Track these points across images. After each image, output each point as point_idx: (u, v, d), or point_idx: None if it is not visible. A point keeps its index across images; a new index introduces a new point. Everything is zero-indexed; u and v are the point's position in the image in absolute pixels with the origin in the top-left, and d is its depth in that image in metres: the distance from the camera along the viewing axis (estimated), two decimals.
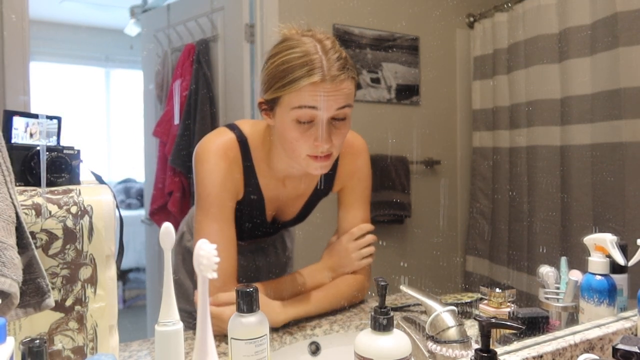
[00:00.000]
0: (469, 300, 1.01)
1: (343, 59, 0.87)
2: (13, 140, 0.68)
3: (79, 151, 0.72)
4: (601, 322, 0.87)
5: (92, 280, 0.65)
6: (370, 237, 1.04)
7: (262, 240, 1.17)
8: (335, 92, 0.85)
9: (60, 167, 0.69)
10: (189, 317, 1.09)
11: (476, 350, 0.57)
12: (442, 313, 0.73)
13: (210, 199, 0.93)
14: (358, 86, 0.93)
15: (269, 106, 0.90)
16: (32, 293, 0.58)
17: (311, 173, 0.93)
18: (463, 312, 0.98)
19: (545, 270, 0.98)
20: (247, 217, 1.02)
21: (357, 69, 0.92)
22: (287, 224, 1.12)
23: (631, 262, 0.90)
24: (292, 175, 1.01)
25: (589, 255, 0.92)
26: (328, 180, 1.06)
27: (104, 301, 0.66)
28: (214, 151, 0.93)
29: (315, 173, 0.92)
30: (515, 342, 0.80)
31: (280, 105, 0.87)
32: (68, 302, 0.64)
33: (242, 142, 0.96)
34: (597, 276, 0.90)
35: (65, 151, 0.70)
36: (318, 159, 0.89)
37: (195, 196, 0.95)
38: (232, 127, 0.98)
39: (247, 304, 0.61)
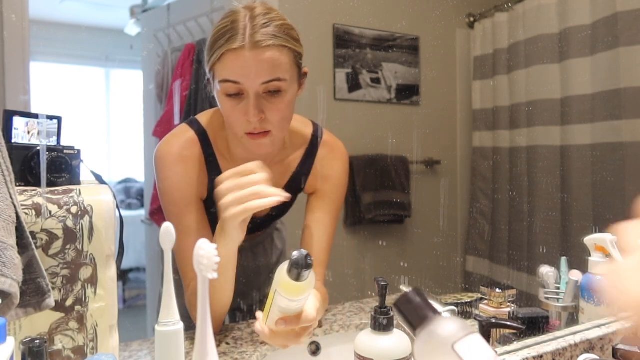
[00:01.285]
0: (469, 300, 1.01)
1: (274, 26, 0.80)
2: (13, 140, 0.68)
3: (79, 151, 0.72)
4: (601, 322, 0.87)
5: (93, 280, 0.65)
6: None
7: (249, 238, 1.14)
8: (257, 61, 0.78)
9: (60, 167, 0.69)
10: (186, 320, 1.08)
11: None
12: (442, 313, 0.73)
13: (172, 207, 0.90)
14: (358, 85, 0.90)
15: (211, 79, 0.85)
16: (32, 293, 0.58)
17: (255, 152, 0.85)
18: (463, 312, 0.98)
19: (546, 270, 0.98)
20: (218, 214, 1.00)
21: (296, 40, 0.84)
22: (264, 221, 1.05)
23: None
24: (254, 159, 0.97)
25: (589, 255, 0.92)
26: (300, 175, 0.99)
27: (104, 301, 0.66)
28: (169, 155, 0.90)
29: (257, 152, 0.85)
30: (515, 342, 0.80)
31: (214, 77, 0.83)
32: (68, 302, 0.64)
33: (202, 135, 0.92)
34: (597, 276, 0.90)
35: (65, 151, 0.70)
36: (254, 136, 0.83)
37: (162, 204, 0.93)
38: (192, 123, 0.94)
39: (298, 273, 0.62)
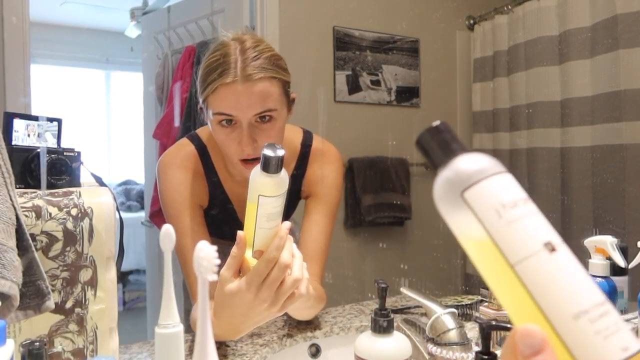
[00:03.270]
0: (469, 302, 1.01)
1: (263, 59, 0.83)
2: (13, 142, 0.68)
3: (79, 153, 0.72)
4: None
5: (92, 282, 0.65)
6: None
7: None
8: (249, 95, 0.81)
9: (60, 169, 0.69)
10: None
11: (477, 352, 0.57)
12: (443, 315, 0.73)
13: (173, 211, 0.93)
14: (358, 87, 0.91)
15: (204, 108, 0.89)
16: (32, 295, 0.58)
17: (246, 177, 0.88)
18: (463, 315, 0.98)
19: None
20: (222, 221, 1.01)
21: (284, 69, 0.87)
22: None
23: (632, 264, 0.90)
24: (247, 177, 0.98)
25: (590, 257, 0.92)
26: (296, 182, 1.01)
27: (104, 303, 0.66)
28: (172, 164, 0.94)
29: (248, 177, 0.88)
30: None
31: (207, 108, 0.86)
32: (68, 304, 0.64)
33: (202, 150, 0.96)
34: (597, 278, 0.90)
35: (65, 153, 0.70)
36: (247, 163, 0.85)
37: (162, 210, 0.96)
38: (192, 138, 0.98)
39: (279, 165, 0.63)
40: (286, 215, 1.06)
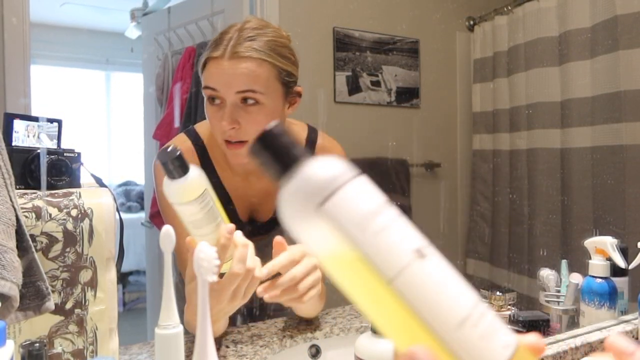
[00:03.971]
0: None
1: (260, 40, 0.82)
2: (13, 143, 0.68)
3: (79, 154, 0.72)
4: (602, 325, 0.87)
5: (92, 283, 0.65)
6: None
7: (260, 239, 1.14)
8: (233, 71, 0.81)
9: (60, 169, 0.69)
10: None
11: None
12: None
13: (171, 213, 0.91)
14: (358, 88, 0.91)
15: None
16: (32, 296, 0.58)
17: (232, 162, 0.89)
18: None
19: (546, 273, 0.98)
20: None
21: (283, 57, 0.85)
22: (267, 225, 1.05)
23: (632, 265, 0.90)
24: (249, 169, 0.96)
25: (590, 258, 0.92)
26: None
27: (104, 304, 0.66)
28: None
29: (232, 162, 0.88)
30: None
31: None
32: (68, 305, 0.64)
33: (199, 145, 0.95)
34: (597, 279, 0.90)
35: (65, 154, 0.70)
36: (230, 145, 0.85)
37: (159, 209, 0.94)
38: (189, 133, 0.97)
39: (179, 167, 0.56)
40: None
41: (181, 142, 0.95)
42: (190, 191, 0.57)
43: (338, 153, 1.02)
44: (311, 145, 1.00)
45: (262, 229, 1.07)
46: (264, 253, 1.16)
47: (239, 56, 0.81)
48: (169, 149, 0.55)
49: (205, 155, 0.95)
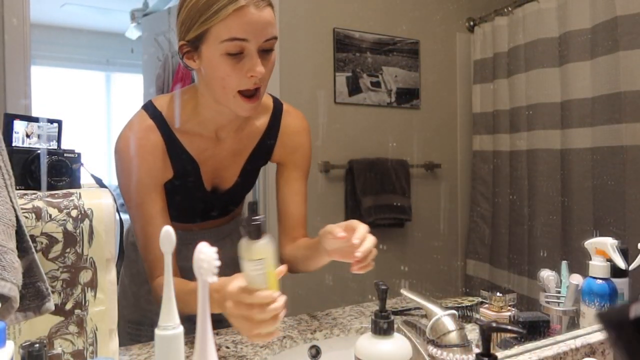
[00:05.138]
0: (469, 304, 1.01)
1: None
2: (14, 144, 0.68)
3: (79, 154, 0.72)
4: None
5: (92, 284, 0.65)
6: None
7: (219, 224, 1.13)
8: (261, 19, 0.83)
9: (60, 170, 0.69)
10: (136, 330, 1.06)
11: (477, 354, 0.57)
12: (443, 317, 0.73)
13: (132, 197, 0.93)
14: (358, 89, 0.92)
15: (193, 46, 0.87)
16: (32, 297, 0.58)
17: (240, 114, 0.91)
18: (464, 316, 0.98)
19: (546, 274, 0.98)
20: (186, 191, 1.00)
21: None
22: (230, 193, 1.07)
23: (632, 266, 0.90)
24: (223, 124, 0.98)
25: (590, 259, 0.92)
26: (268, 140, 1.03)
27: (104, 305, 0.66)
28: (126, 149, 0.93)
29: (243, 114, 0.90)
30: (516, 347, 0.80)
31: (206, 42, 0.85)
32: (68, 306, 0.64)
33: (157, 117, 0.95)
34: (598, 280, 0.89)
35: (65, 154, 0.70)
36: (247, 98, 0.87)
37: (122, 196, 0.95)
38: (147, 107, 0.97)
39: (256, 232, 0.66)
40: (249, 184, 1.08)
41: (138, 122, 0.95)
42: (255, 253, 0.66)
43: (304, 120, 1.07)
44: (279, 109, 1.04)
45: (227, 198, 1.08)
46: (231, 240, 1.14)
47: (262, 4, 0.83)
48: (256, 218, 0.65)
49: (165, 126, 0.95)
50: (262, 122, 1.03)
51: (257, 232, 0.66)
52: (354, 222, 0.82)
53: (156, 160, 0.94)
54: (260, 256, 0.67)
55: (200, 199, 1.03)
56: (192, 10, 0.84)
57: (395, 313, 1.04)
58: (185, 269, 1.08)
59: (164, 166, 0.95)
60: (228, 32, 0.82)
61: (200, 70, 0.89)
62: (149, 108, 0.96)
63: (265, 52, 0.86)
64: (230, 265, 1.14)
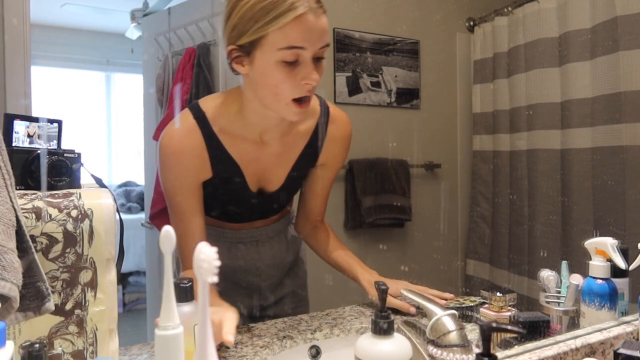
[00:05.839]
0: (471, 304, 1.01)
1: None
2: (14, 144, 0.68)
3: (79, 154, 0.72)
4: (602, 327, 0.87)
5: (92, 284, 0.65)
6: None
7: (268, 223, 1.14)
8: (319, 27, 0.83)
9: (60, 170, 0.69)
10: None
11: (477, 354, 0.57)
12: (443, 317, 0.73)
13: (171, 193, 0.96)
14: (358, 89, 0.93)
15: (245, 52, 0.85)
16: (32, 297, 0.58)
17: (289, 119, 0.92)
18: (464, 316, 0.98)
19: (546, 274, 0.97)
20: (231, 192, 1.01)
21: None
22: (277, 195, 1.07)
23: (632, 266, 0.90)
24: (268, 129, 0.98)
25: (590, 259, 0.91)
26: (315, 145, 1.04)
27: (104, 305, 0.66)
28: (170, 146, 0.95)
29: (294, 119, 0.91)
30: (516, 347, 0.80)
31: (261, 48, 0.83)
32: (68, 306, 0.64)
33: (200, 118, 0.95)
34: (598, 280, 0.89)
35: (65, 155, 0.70)
36: (299, 104, 0.87)
37: (162, 188, 0.99)
38: (192, 107, 0.98)
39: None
40: (295, 186, 1.10)
41: (182, 120, 0.96)
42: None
43: (348, 126, 1.09)
44: (326, 112, 1.05)
45: (274, 200, 1.08)
46: (272, 244, 1.16)
47: (319, 11, 0.83)
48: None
49: (208, 127, 0.95)
50: (308, 126, 1.03)
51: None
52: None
53: (194, 160, 0.95)
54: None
55: (247, 200, 1.04)
56: (246, 16, 0.83)
57: (396, 312, 1.04)
58: (237, 269, 1.10)
59: (202, 166, 0.96)
60: (286, 40, 0.81)
61: (248, 75, 0.89)
62: (194, 108, 0.97)
63: (317, 60, 0.86)
64: (278, 265, 1.16)
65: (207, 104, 0.97)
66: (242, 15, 0.83)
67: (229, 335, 0.73)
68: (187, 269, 0.96)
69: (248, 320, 1.08)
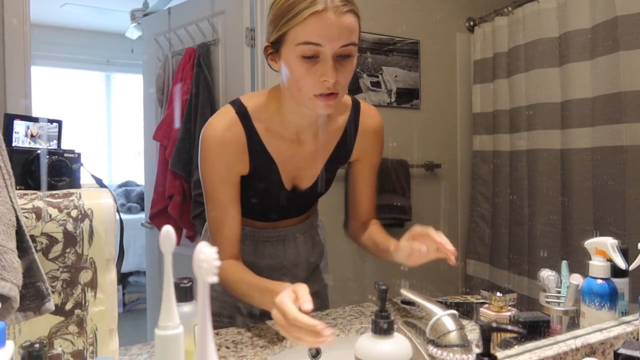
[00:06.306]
0: (476, 301, 1.01)
1: None
2: (14, 144, 0.68)
3: (79, 154, 0.72)
4: (602, 327, 0.87)
5: (92, 284, 0.65)
6: None
7: (296, 222, 1.15)
8: (339, 25, 0.84)
9: (60, 170, 0.69)
10: (215, 322, 1.09)
11: (477, 354, 0.57)
12: (443, 317, 0.73)
13: (209, 184, 0.98)
14: (358, 89, 0.93)
15: (275, 48, 0.90)
16: (32, 297, 0.58)
17: (318, 112, 0.93)
18: (467, 312, 0.98)
19: (546, 274, 0.98)
20: (266, 190, 1.03)
21: (357, 8, 0.91)
22: (310, 193, 1.09)
23: (632, 266, 0.90)
24: (304, 127, 1.00)
25: (590, 259, 0.92)
26: (347, 141, 1.05)
27: (104, 305, 0.66)
28: (212, 138, 0.96)
29: (321, 112, 0.92)
30: (516, 347, 0.80)
31: (285, 44, 0.87)
32: (68, 306, 0.64)
33: (242, 113, 0.97)
34: (598, 280, 0.89)
35: (65, 155, 0.70)
36: (323, 97, 0.88)
37: (201, 180, 1.00)
38: (234, 103, 1.00)
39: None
40: (326, 180, 1.10)
41: (225, 113, 0.98)
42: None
43: (380, 120, 1.11)
44: (357, 107, 1.06)
45: (305, 198, 1.10)
46: (297, 242, 1.16)
47: (341, 10, 0.83)
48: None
49: (249, 122, 0.97)
50: (340, 123, 1.05)
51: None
52: (418, 229, 0.94)
53: (235, 153, 0.97)
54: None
55: (280, 197, 1.06)
56: (277, 13, 0.87)
57: (405, 302, 1.06)
58: (263, 267, 1.12)
59: (241, 160, 0.98)
60: (303, 36, 0.84)
61: (281, 72, 0.92)
62: (236, 103, 0.99)
63: (342, 58, 0.87)
64: (303, 265, 1.17)
65: (249, 100, 0.99)
66: (274, 12, 0.88)
67: (307, 303, 0.74)
68: (225, 258, 0.96)
69: (248, 320, 1.08)
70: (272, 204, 1.07)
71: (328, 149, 1.05)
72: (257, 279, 0.93)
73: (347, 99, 1.05)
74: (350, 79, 0.91)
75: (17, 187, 0.62)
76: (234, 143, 0.97)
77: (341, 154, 1.07)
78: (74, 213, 0.64)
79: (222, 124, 0.97)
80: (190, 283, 0.68)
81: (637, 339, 0.85)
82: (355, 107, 1.06)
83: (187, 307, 0.66)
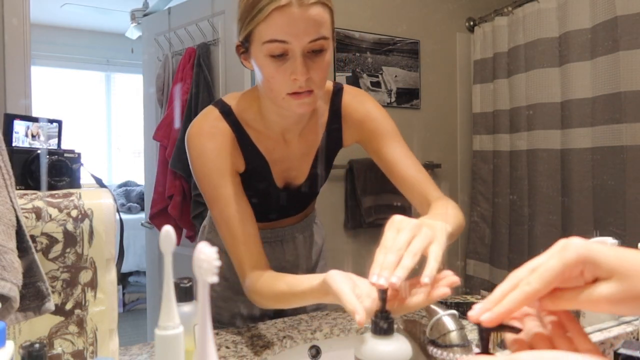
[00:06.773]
0: (476, 301, 1.01)
1: None
2: (14, 144, 0.68)
3: (79, 154, 0.72)
4: (602, 327, 0.87)
5: (93, 284, 0.65)
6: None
7: (293, 222, 1.12)
8: (305, 19, 0.78)
9: (60, 170, 0.69)
10: (217, 327, 1.03)
11: (477, 354, 0.57)
12: (443, 317, 0.73)
13: (207, 180, 0.91)
14: (355, 80, 0.89)
15: (245, 48, 0.85)
16: (32, 297, 0.58)
17: (296, 112, 0.87)
18: (467, 312, 0.98)
19: None
20: (257, 189, 0.98)
21: None
22: (303, 190, 1.04)
23: None
24: (288, 127, 0.96)
25: None
26: (333, 128, 1.00)
27: (104, 305, 0.66)
28: (200, 134, 0.92)
29: (298, 111, 0.86)
30: None
31: (253, 43, 0.82)
32: (68, 306, 0.64)
33: (226, 112, 0.93)
34: None
35: (65, 155, 0.70)
36: (297, 95, 0.83)
37: (197, 184, 0.94)
38: (216, 103, 0.96)
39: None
40: (317, 175, 1.04)
41: (209, 112, 0.94)
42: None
43: (363, 92, 1.03)
44: (339, 91, 1.00)
45: (300, 196, 1.06)
46: (296, 242, 1.14)
47: (306, 3, 0.77)
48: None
49: (235, 122, 0.93)
50: (324, 108, 0.99)
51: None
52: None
53: (227, 144, 0.92)
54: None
55: (273, 196, 1.02)
56: (243, 11, 0.82)
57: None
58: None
59: (234, 153, 0.93)
60: (268, 33, 0.79)
61: (255, 70, 0.87)
62: (218, 103, 0.95)
63: (314, 54, 0.81)
64: (302, 266, 1.15)
65: (232, 100, 0.96)
66: (241, 11, 0.83)
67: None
68: (251, 266, 0.88)
69: (248, 320, 1.08)
70: (266, 203, 1.03)
71: (316, 144, 1.01)
72: (306, 287, 0.80)
73: (329, 85, 1.00)
74: (326, 74, 0.85)
75: (17, 187, 0.62)
76: (222, 136, 0.92)
77: (330, 144, 1.01)
78: (74, 213, 0.64)
79: (206, 121, 0.93)
80: (190, 283, 0.68)
81: (637, 339, 0.85)
82: (337, 93, 1.00)
83: (187, 307, 0.66)
